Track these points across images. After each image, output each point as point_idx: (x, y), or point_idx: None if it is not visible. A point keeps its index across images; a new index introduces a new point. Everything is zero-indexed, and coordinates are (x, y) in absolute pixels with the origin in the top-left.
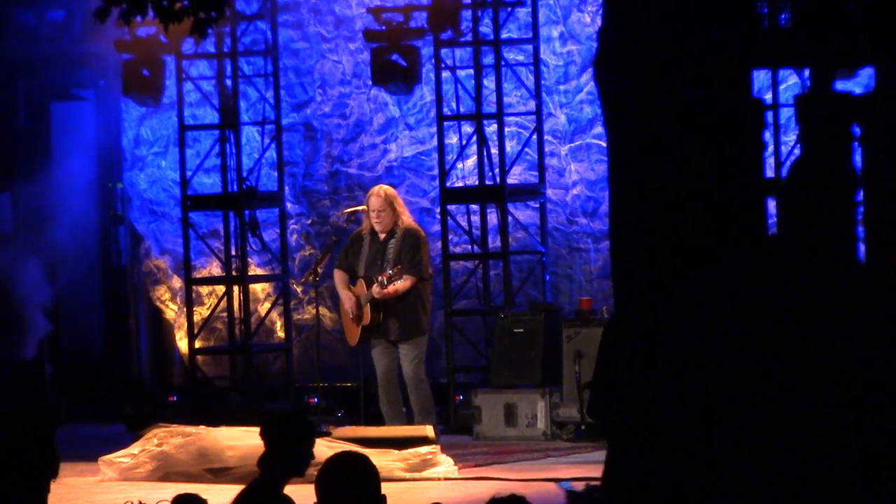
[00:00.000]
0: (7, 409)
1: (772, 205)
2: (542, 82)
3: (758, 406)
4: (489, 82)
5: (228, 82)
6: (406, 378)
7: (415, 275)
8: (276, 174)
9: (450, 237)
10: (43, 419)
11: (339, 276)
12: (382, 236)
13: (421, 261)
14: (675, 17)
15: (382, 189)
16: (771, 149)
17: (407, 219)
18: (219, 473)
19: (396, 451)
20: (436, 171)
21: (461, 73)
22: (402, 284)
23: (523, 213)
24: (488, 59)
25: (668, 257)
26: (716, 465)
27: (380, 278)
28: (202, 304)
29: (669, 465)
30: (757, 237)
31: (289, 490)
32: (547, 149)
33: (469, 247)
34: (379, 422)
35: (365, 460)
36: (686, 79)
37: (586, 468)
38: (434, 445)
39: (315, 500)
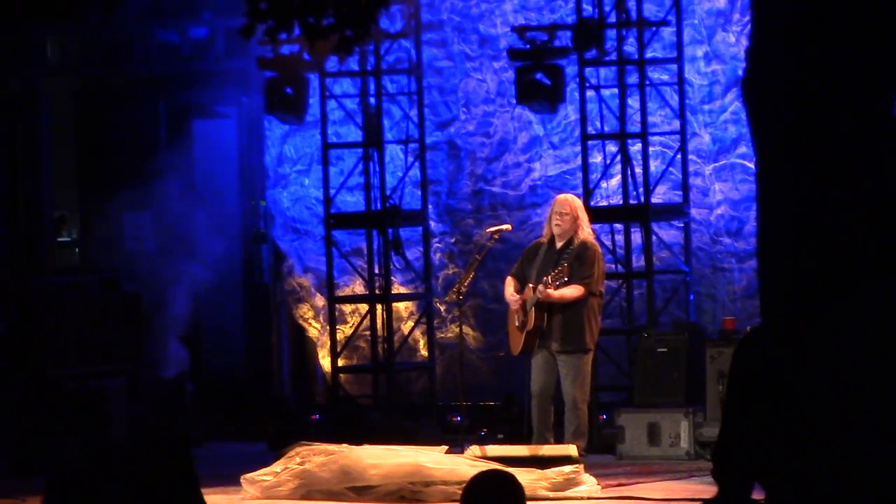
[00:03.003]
0: (147, 429)
1: None
2: (687, 102)
3: None
4: (633, 101)
5: (372, 100)
6: (565, 396)
7: (585, 286)
8: (419, 192)
9: None
10: (182, 440)
11: (509, 283)
12: (559, 244)
13: (593, 274)
14: (824, 38)
15: (570, 195)
16: None
17: (587, 232)
18: (361, 492)
19: (540, 470)
20: (580, 190)
21: (605, 93)
22: (569, 292)
23: (667, 233)
24: (632, 79)
25: (816, 279)
26: None
27: (544, 279)
28: (345, 322)
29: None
30: None
31: None
32: (691, 168)
33: (613, 266)
34: (523, 441)
35: (511, 478)
36: (835, 99)
37: None
38: (578, 465)
39: None
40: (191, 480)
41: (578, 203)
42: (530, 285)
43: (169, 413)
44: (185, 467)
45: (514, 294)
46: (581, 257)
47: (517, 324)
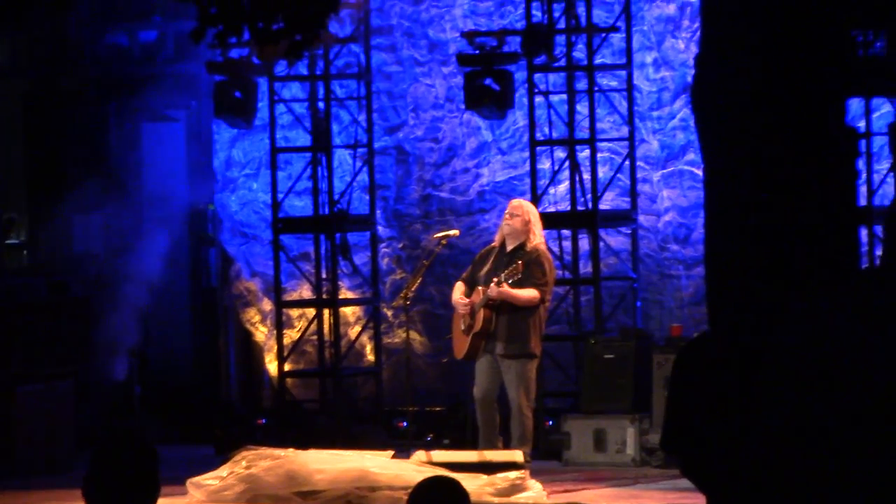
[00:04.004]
0: (108, 431)
1: (863, 233)
2: (636, 108)
3: (876, 457)
4: (582, 107)
5: (321, 105)
6: (510, 402)
7: (539, 291)
8: (367, 197)
9: None
10: (148, 445)
11: (457, 288)
12: (510, 247)
13: (547, 282)
14: (772, 46)
15: (525, 201)
16: (864, 177)
17: (540, 240)
18: (308, 496)
19: (486, 476)
20: (528, 196)
21: (554, 98)
22: (524, 294)
23: (615, 239)
24: (581, 85)
25: (763, 284)
26: None
27: (496, 278)
28: (292, 326)
29: None
30: (852, 267)
31: None
32: (639, 175)
33: (561, 272)
34: (469, 446)
35: (456, 484)
36: (782, 106)
37: (675, 494)
38: (524, 470)
39: None
40: (154, 483)
41: (532, 209)
42: (480, 288)
43: (117, 415)
44: (151, 469)
45: (463, 298)
46: (537, 262)
47: (462, 327)
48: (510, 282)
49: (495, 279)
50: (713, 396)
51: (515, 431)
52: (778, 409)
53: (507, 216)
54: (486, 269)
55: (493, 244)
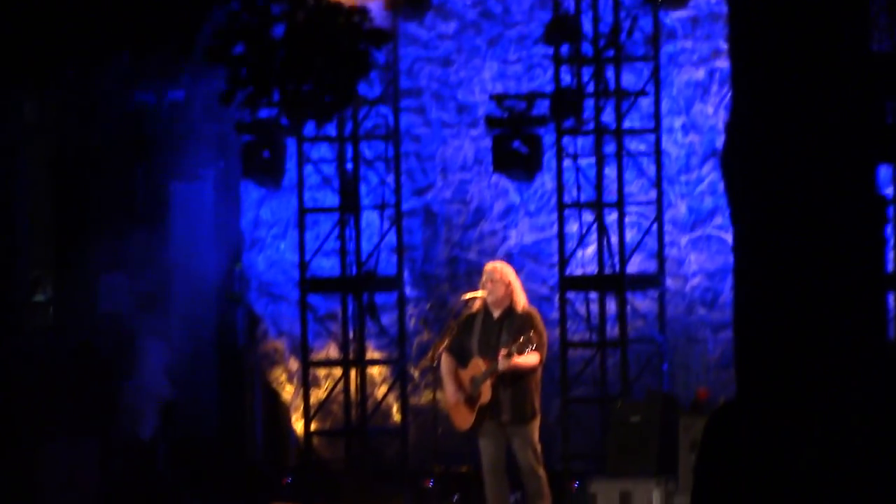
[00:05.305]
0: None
1: (891, 299)
2: (664, 172)
3: None
4: (610, 171)
5: (349, 166)
6: (521, 464)
7: (540, 354)
8: (395, 258)
9: (568, 325)
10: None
11: (447, 363)
12: (496, 313)
13: (544, 343)
14: (803, 114)
15: (499, 262)
16: (892, 243)
17: (524, 300)
18: None
19: None
20: (555, 259)
21: (582, 162)
22: (529, 362)
23: (642, 302)
24: (610, 148)
25: (793, 351)
26: None
27: (504, 350)
28: (319, 386)
29: None
30: (882, 334)
31: None
32: (667, 238)
33: (587, 335)
34: None
35: None
36: (812, 174)
37: None
38: None
39: None
40: None
41: (509, 270)
42: (478, 360)
43: (141, 476)
44: None
45: (453, 381)
46: (533, 327)
47: (462, 399)
48: (519, 352)
49: (504, 350)
50: (743, 464)
51: (530, 489)
52: (809, 477)
53: (486, 282)
54: (476, 336)
55: (470, 310)
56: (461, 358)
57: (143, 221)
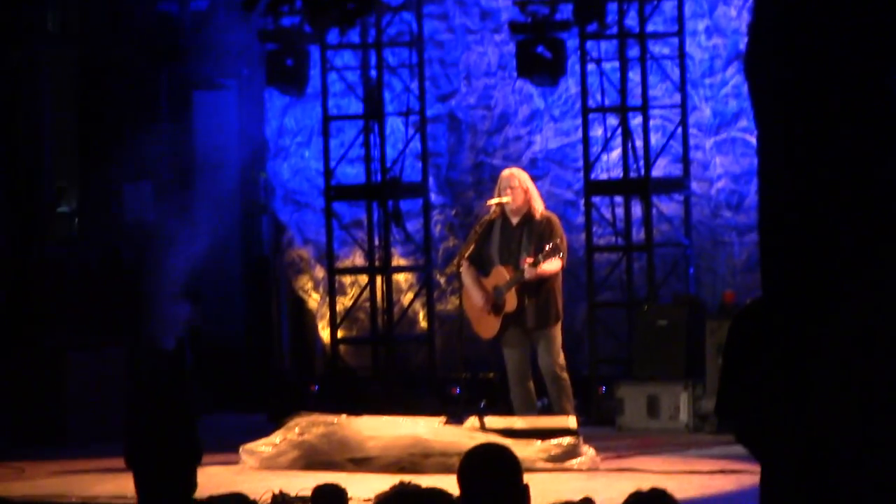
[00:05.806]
0: (150, 398)
1: None
2: (688, 75)
3: None
4: (634, 75)
5: (373, 73)
6: (544, 369)
7: (562, 259)
8: (420, 165)
9: (594, 229)
10: (185, 406)
11: (469, 272)
12: (515, 220)
13: (565, 247)
14: (828, 11)
15: (515, 169)
16: None
17: (542, 205)
18: (360, 463)
19: (539, 442)
20: (580, 164)
21: (606, 66)
22: (553, 268)
23: (667, 206)
24: (633, 52)
25: (819, 256)
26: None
27: (529, 259)
28: (345, 293)
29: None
30: None
31: (431, 481)
32: (692, 142)
33: (613, 239)
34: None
35: (506, 451)
36: (839, 75)
37: (728, 461)
38: (576, 436)
39: (458, 491)
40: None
41: (524, 176)
42: (501, 268)
43: (168, 383)
44: (189, 435)
45: (478, 287)
46: (549, 230)
47: (487, 307)
48: (544, 260)
49: (529, 259)
50: (769, 363)
51: (554, 393)
52: (836, 376)
53: (505, 190)
54: (496, 244)
55: (489, 216)
56: (481, 266)
57: (167, 131)
